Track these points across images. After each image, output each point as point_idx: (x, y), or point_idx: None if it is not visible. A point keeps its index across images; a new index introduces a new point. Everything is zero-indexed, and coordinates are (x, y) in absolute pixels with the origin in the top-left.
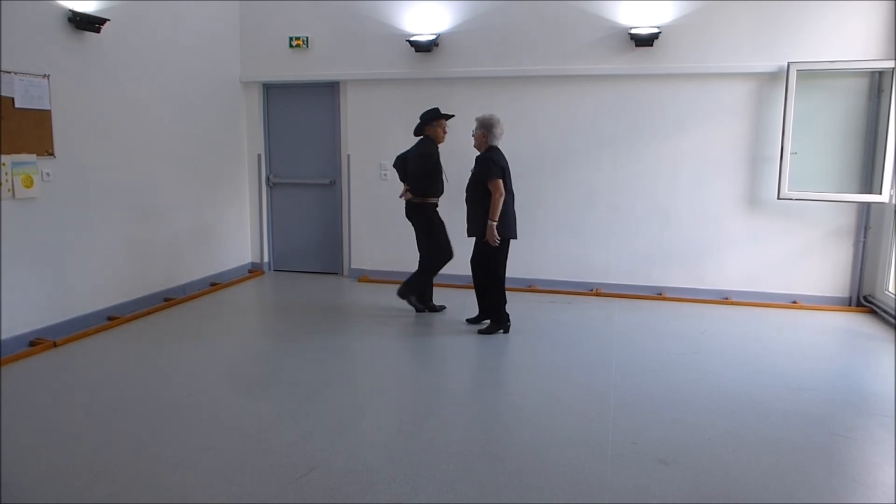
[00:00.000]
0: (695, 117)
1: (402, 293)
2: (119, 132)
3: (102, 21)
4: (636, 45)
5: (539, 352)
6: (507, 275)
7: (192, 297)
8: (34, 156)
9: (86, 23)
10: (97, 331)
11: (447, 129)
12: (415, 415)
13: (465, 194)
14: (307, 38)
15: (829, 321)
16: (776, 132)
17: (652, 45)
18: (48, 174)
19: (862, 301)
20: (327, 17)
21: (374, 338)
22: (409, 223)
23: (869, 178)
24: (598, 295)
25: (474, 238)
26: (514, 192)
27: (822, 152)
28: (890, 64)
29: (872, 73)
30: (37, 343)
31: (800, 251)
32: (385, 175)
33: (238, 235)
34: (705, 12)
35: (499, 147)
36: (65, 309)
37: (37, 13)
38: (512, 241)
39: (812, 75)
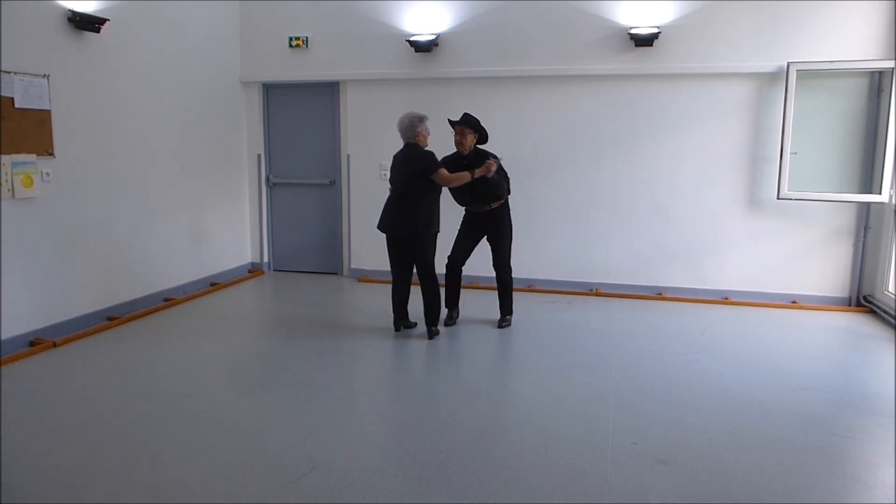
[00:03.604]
0: (695, 117)
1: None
2: (119, 132)
3: (102, 21)
4: (636, 45)
5: (539, 352)
6: None
7: (192, 297)
8: (34, 156)
9: (86, 23)
10: (97, 331)
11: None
12: (415, 414)
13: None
14: (307, 38)
15: (828, 321)
16: (776, 132)
17: (652, 45)
18: (48, 174)
19: (862, 301)
20: (327, 17)
21: (375, 337)
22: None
23: (869, 178)
24: (598, 295)
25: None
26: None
27: (822, 152)
28: (890, 64)
29: (872, 73)
30: (37, 343)
31: (800, 251)
32: (385, 175)
33: (238, 235)
34: (705, 12)
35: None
36: (65, 309)
37: (37, 13)
38: (512, 240)
39: (812, 75)
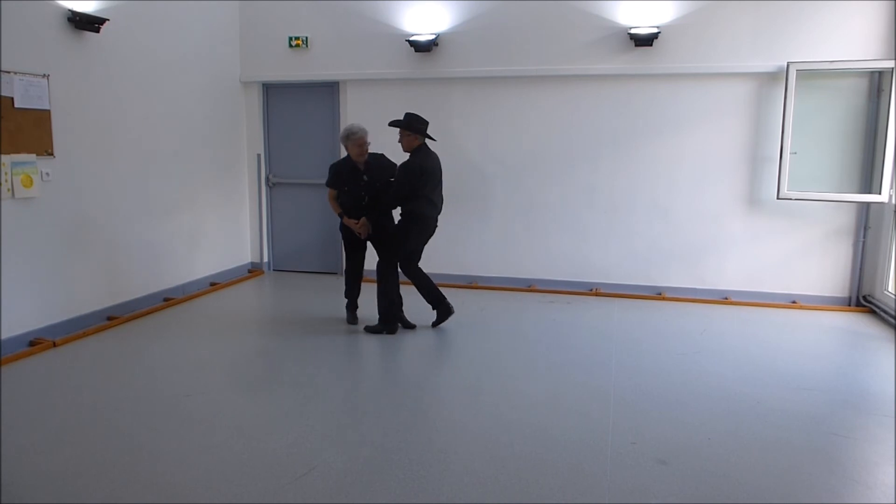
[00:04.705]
0: (695, 117)
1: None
2: (118, 132)
3: (102, 21)
4: (636, 45)
5: (538, 352)
6: (506, 274)
7: (192, 297)
8: (34, 156)
9: (85, 23)
10: (97, 331)
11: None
12: (415, 414)
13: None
14: (307, 38)
15: (828, 321)
16: (776, 132)
17: (651, 45)
18: (48, 174)
19: (861, 301)
20: (327, 17)
21: (374, 337)
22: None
23: (868, 178)
24: (597, 295)
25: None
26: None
27: (822, 152)
28: (890, 64)
29: (872, 73)
30: (37, 343)
31: (799, 251)
32: None
33: (238, 235)
34: (705, 12)
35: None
36: (65, 309)
37: (37, 13)
38: (511, 239)
39: (812, 75)
